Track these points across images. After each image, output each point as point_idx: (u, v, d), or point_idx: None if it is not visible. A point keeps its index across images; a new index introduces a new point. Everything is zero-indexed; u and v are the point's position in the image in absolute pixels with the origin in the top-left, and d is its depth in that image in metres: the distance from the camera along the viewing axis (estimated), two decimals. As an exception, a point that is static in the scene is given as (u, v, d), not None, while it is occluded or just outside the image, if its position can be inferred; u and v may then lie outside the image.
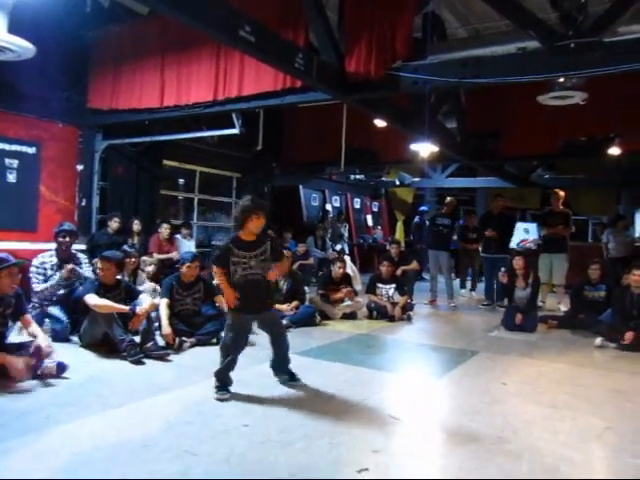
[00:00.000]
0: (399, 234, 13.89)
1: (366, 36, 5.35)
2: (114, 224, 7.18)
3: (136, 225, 7.49)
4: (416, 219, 12.96)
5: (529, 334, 6.04)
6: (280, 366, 3.81)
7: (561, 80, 5.34)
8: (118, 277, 4.87)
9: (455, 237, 9.22)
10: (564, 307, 7.32)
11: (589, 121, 7.82)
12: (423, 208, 13.08)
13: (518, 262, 6.56)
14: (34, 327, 3.78)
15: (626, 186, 12.01)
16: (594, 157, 8.90)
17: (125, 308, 4.44)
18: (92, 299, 4.40)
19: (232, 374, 3.56)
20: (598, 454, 2.91)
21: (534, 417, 3.32)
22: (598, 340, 5.48)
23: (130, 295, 4.76)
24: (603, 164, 10.16)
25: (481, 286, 9.07)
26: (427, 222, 12.29)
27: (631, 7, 4.39)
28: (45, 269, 5.12)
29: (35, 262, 5.09)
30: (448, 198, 9.23)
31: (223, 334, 3.73)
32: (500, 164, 10.18)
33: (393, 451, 2.78)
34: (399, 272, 7.27)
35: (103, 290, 4.58)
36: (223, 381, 3.51)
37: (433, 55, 5.33)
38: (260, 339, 5.21)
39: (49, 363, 3.66)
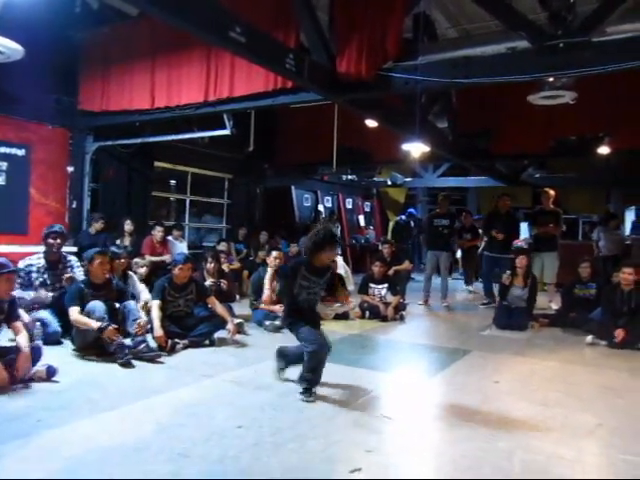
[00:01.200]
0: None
1: (357, 37, 5.35)
2: (97, 224, 7.17)
3: (127, 225, 7.43)
4: (398, 218, 12.88)
5: (521, 332, 6.07)
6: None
7: (551, 80, 5.36)
8: (108, 276, 4.79)
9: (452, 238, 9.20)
10: (555, 305, 7.36)
11: (579, 120, 7.87)
12: (411, 211, 13.10)
13: (522, 261, 6.45)
14: (21, 336, 3.67)
15: (616, 185, 12.09)
16: (584, 156, 8.96)
17: (97, 325, 4.17)
18: (73, 313, 4.34)
19: (225, 374, 3.57)
20: (590, 451, 2.93)
21: (526, 415, 3.33)
22: (589, 338, 5.52)
23: (121, 295, 4.73)
24: (593, 163, 10.23)
25: (478, 285, 9.08)
26: (412, 223, 12.37)
27: (619, 7, 4.43)
28: (30, 272, 5.05)
29: (21, 264, 4.91)
30: (440, 196, 9.17)
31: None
32: (491, 163, 10.21)
33: (386, 451, 2.79)
34: (391, 272, 7.29)
35: (92, 289, 4.52)
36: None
37: (424, 56, 5.33)
38: (252, 339, 5.22)
39: (39, 367, 3.64)
